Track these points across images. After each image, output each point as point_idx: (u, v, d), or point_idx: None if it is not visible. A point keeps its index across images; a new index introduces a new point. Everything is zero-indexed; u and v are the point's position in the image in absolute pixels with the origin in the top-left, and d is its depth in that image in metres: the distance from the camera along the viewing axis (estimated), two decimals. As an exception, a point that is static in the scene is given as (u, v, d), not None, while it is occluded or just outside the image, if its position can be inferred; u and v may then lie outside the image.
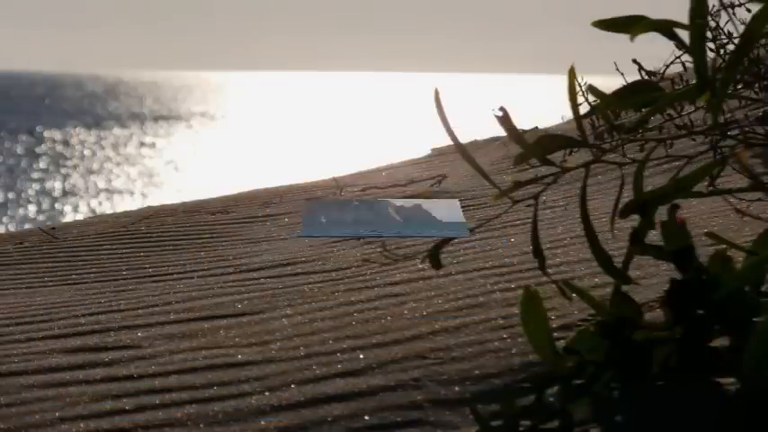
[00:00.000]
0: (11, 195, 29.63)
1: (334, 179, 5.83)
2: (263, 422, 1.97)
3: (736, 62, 2.15)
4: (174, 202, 5.70)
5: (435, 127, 2.19)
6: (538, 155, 2.12)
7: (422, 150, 7.38)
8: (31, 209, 27.62)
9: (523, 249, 3.18)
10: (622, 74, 4.49)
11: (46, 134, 49.53)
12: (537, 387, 1.95)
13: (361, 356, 2.27)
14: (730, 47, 4.16)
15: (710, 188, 2.81)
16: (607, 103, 2.20)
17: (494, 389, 2.03)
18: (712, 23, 4.22)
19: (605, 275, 2.13)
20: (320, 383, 2.13)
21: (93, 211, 26.90)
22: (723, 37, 4.24)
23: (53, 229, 4.87)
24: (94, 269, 3.87)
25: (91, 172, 35.78)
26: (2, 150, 41.95)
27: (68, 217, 24.94)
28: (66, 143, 46.15)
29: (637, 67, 4.46)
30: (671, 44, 2.22)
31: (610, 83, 2.96)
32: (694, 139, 4.51)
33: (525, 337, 1.98)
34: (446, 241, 2.20)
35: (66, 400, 2.19)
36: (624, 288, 2.04)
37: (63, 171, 35.71)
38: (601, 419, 1.85)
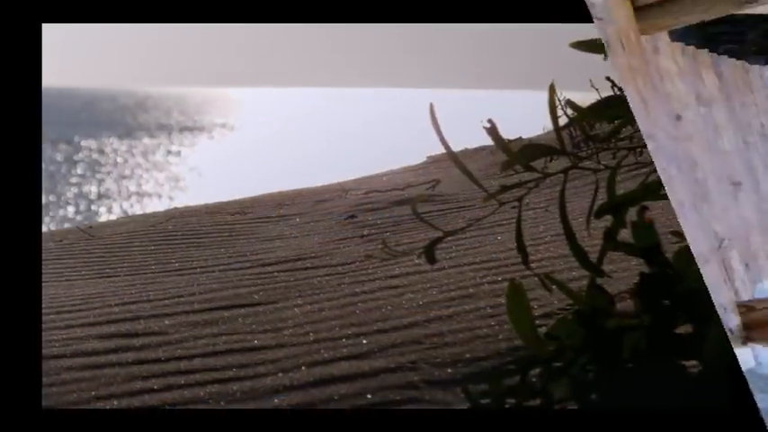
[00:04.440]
0: (52, 198, 29.59)
1: (340, 183, 5.82)
2: (276, 400, 1.97)
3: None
4: (198, 204, 5.70)
5: (430, 137, 2.19)
6: (522, 162, 2.12)
7: (418, 158, 7.38)
8: (70, 210, 27.58)
9: (509, 246, 3.17)
10: (597, 89, 4.49)
11: (83, 143, 49.45)
12: (521, 369, 1.94)
13: (364, 342, 2.27)
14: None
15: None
16: (583, 116, 2.20)
17: (482, 370, 2.03)
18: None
19: (582, 269, 2.13)
20: (328, 366, 2.13)
21: (125, 212, 26.85)
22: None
23: (90, 228, 4.87)
24: (126, 264, 3.87)
25: (123, 177, 35.72)
26: (43, 158, 41.84)
27: (103, 217, 24.90)
28: (101, 151, 46.07)
29: (610, 84, 4.46)
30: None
31: (586, 98, 2.96)
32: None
33: (511, 324, 1.97)
34: (440, 239, 2.20)
35: (101, 380, 2.19)
36: (598, 281, 2.04)
37: (98, 176, 35.65)
38: (578, 398, 1.85)
